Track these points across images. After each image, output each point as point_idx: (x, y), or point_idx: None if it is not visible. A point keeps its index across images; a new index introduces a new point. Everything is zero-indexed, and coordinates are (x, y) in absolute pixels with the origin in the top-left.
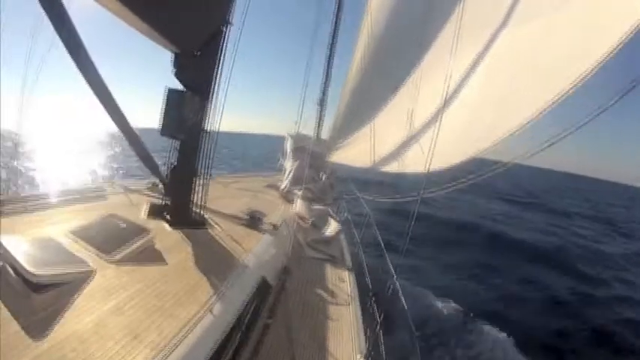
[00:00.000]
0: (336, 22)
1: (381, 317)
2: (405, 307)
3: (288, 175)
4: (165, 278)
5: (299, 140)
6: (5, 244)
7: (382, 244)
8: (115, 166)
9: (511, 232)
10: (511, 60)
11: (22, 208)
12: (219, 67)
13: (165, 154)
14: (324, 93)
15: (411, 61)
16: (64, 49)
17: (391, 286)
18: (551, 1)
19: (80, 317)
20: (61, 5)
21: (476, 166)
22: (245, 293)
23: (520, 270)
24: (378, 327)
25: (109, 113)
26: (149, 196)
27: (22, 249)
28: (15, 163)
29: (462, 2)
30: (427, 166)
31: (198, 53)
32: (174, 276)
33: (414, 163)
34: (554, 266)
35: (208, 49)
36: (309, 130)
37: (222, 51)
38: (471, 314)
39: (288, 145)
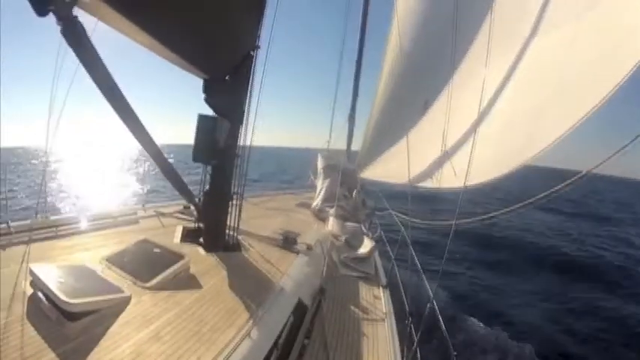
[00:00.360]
0: (361, 39)
1: (418, 336)
2: (444, 327)
3: (320, 193)
4: (201, 303)
5: (330, 158)
6: (37, 271)
7: (418, 264)
8: (146, 189)
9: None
10: (544, 68)
11: (52, 233)
12: (249, 91)
13: (189, 170)
14: (353, 109)
15: (441, 74)
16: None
17: (429, 306)
18: (577, 5)
19: (117, 345)
20: (90, 45)
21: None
22: (282, 316)
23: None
24: (415, 345)
25: (141, 143)
26: (181, 219)
27: (54, 276)
28: (43, 187)
29: (491, 14)
30: (464, 182)
31: (228, 78)
32: (210, 301)
33: (450, 178)
34: None
35: (238, 74)
36: (340, 144)
37: (251, 74)
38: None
39: (320, 163)
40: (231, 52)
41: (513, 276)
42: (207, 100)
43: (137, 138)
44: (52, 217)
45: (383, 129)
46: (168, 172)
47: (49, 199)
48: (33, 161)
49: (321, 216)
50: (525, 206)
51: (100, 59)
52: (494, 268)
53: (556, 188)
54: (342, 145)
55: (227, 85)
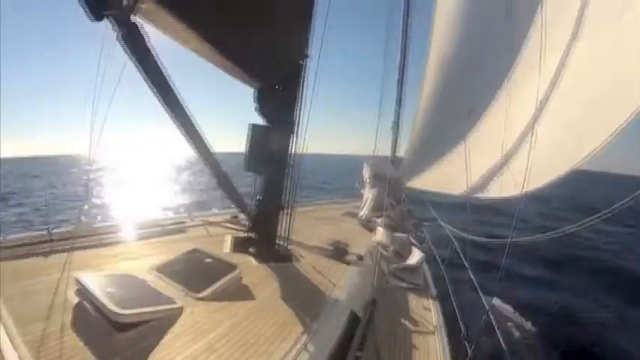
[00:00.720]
0: (404, 47)
1: (472, 349)
2: (502, 341)
3: (367, 202)
4: (255, 315)
5: (376, 166)
6: (84, 280)
7: (472, 276)
8: (193, 198)
9: None
10: (587, 71)
11: (96, 241)
12: (301, 100)
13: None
14: (397, 116)
15: (486, 82)
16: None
17: (484, 318)
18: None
19: (170, 357)
20: (150, 51)
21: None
22: (336, 328)
23: None
24: (469, 354)
25: (197, 151)
26: (230, 229)
27: (102, 286)
28: (85, 195)
29: (543, 18)
30: (523, 189)
31: (279, 87)
32: (264, 312)
33: (505, 186)
34: None
35: (288, 83)
36: (385, 152)
37: (302, 84)
38: None
39: (366, 172)
40: (283, 62)
41: (581, 294)
42: (259, 109)
43: (193, 146)
44: (95, 225)
45: (427, 137)
46: (223, 180)
47: (90, 208)
48: (72, 169)
49: (368, 226)
50: (593, 220)
51: (159, 66)
52: (558, 283)
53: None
54: (387, 152)
55: (278, 94)
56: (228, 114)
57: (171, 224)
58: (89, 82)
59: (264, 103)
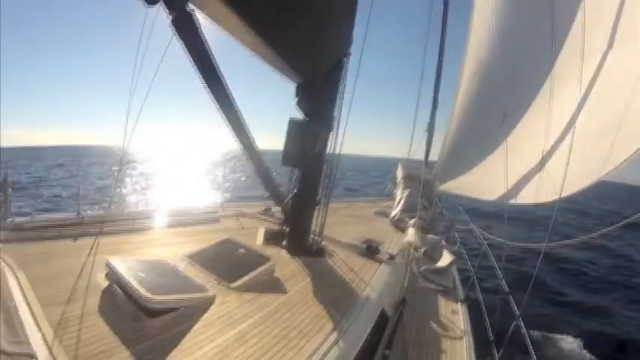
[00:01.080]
0: (441, 49)
1: (500, 354)
2: (531, 348)
3: (400, 202)
4: (287, 308)
5: (410, 167)
6: (115, 264)
7: (503, 281)
8: (227, 189)
9: None
10: (626, 78)
11: (128, 226)
12: (340, 97)
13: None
14: (432, 119)
15: (520, 88)
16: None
17: (514, 324)
18: None
19: (200, 345)
20: (201, 39)
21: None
22: (367, 325)
23: None
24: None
25: (241, 141)
26: (262, 220)
27: (134, 270)
28: (117, 180)
29: (583, 25)
30: (560, 193)
31: (320, 84)
32: (296, 306)
33: (541, 192)
34: None
35: (329, 79)
36: (418, 155)
37: (342, 81)
38: None
39: (399, 173)
40: (325, 58)
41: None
42: (299, 105)
43: (237, 136)
44: (127, 211)
45: (460, 141)
46: (262, 172)
47: (120, 195)
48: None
49: (399, 226)
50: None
51: (209, 54)
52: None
53: None
54: (420, 155)
55: (319, 90)
56: (262, 112)
57: (205, 213)
58: (128, 75)
59: (304, 98)
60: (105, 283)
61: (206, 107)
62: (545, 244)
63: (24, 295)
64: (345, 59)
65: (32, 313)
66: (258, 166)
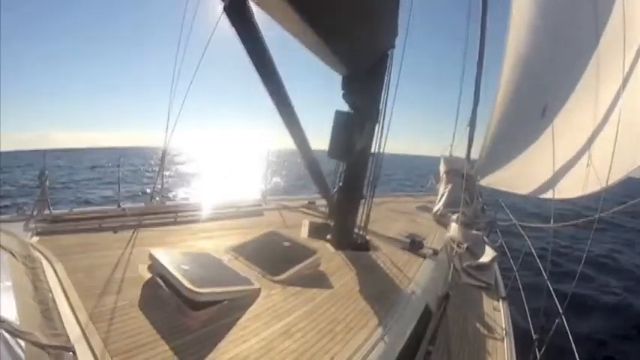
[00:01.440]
0: (481, 42)
1: (542, 353)
2: (573, 346)
3: (442, 197)
4: (333, 302)
5: (452, 163)
6: (158, 256)
7: (546, 276)
8: (269, 182)
9: None
10: None
11: (171, 218)
12: (386, 90)
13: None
14: (474, 114)
15: (560, 80)
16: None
17: (557, 322)
18: None
19: (245, 338)
20: (256, 28)
21: None
22: (411, 321)
23: None
24: (539, 356)
25: (292, 134)
26: (305, 214)
27: (177, 262)
28: (160, 172)
29: (625, 15)
30: (607, 181)
31: (366, 76)
32: (341, 300)
33: (587, 183)
34: None
35: (375, 72)
36: (459, 152)
37: (387, 73)
38: None
39: (442, 167)
40: (372, 50)
41: None
42: (345, 97)
43: (289, 129)
44: (168, 203)
45: (501, 137)
46: (312, 164)
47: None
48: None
49: (442, 221)
50: None
51: (264, 44)
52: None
53: None
54: (461, 152)
55: (364, 82)
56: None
57: (246, 207)
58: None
59: (350, 91)
60: (147, 275)
61: (248, 110)
62: (596, 216)
63: (62, 287)
64: (390, 51)
65: (71, 305)
66: (308, 159)
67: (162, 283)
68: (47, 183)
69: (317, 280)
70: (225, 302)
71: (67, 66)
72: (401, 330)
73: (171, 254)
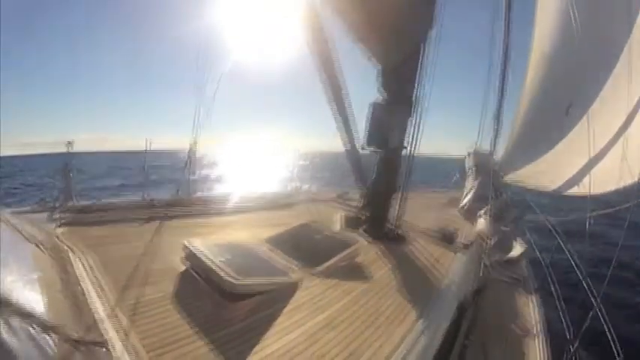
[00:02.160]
0: (506, 35)
1: (576, 344)
2: (612, 333)
3: (469, 193)
4: (371, 294)
5: (479, 158)
6: (194, 247)
7: (578, 266)
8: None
9: None
10: None
11: (201, 210)
12: (420, 82)
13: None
14: (499, 108)
15: (585, 78)
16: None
17: (591, 313)
18: None
19: (289, 330)
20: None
21: None
22: (448, 315)
23: None
24: (573, 350)
25: (340, 117)
26: (336, 206)
27: (214, 253)
28: (188, 165)
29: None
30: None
31: (401, 69)
32: (380, 292)
33: (621, 176)
34: None
35: (409, 65)
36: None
37: (421, 66)
38: None
39: (468, 163)
40: (406, 43)
41: None
42: (380, 88)
43: (338, 112)
44: (198, 195)
45: (527, 132)
46: (353, 154)
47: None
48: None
49: (469, 216)
50: None
51: (321, 28)
52: None
53: None
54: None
55: (399, 74)
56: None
57: (277, 199)
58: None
59: (385, 82)
60: (181, 267)
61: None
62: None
63: (92, 280)
64: (424, 45)
65: (101, 299)
66: (350, 148)
67: (198, 275)
68: (71, 175)
69: (355, 271)
70: (265, 294)
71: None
72: (439, 323)
73: (207, 245)
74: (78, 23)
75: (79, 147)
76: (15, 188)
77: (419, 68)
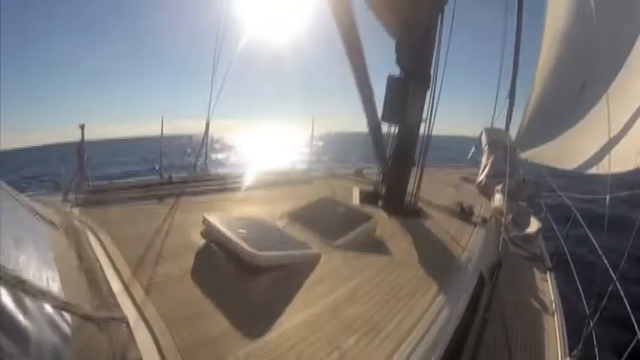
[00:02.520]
0: (519, 10)
1: (595, 318)
2: (628, 307)
3: (485, 168)
4: (392, 267)
5: (494, 134)
6: (213, 221)
7: (598, 247)
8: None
9: None
10: None
11: (220, 185)
12: (437, 55)
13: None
14: (513, 85)
15: (601, 54)
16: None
17: (611, 288)
18: None
19: (310, 303)
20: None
21: None
22: (469, 288)
23: None
24: (592, 325)
25: (362, 92)
26: (353, 182)
27: (233, 227)
28: (205, 140)
29: None
30: None
31: (418, 40)
32: (401, 266)
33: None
34: None
35: (426, 37)
36: (498, 124)
37: (438, 40)
38: None
39: (484, 139)
40: (423, 14)
41: None
42: (398, 61)
43: (361, 87)
44: (216, 171)
45: (542, 109)
46: (375, 128)
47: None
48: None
49: (485, 192)
50: None
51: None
52: None
53: None
54: (499, 124)
55: (416, 47)
56: None
57: (294, 175)
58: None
59: (402, 55)
60: (200, 241)
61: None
62: None
63: (109, 257)
64: (440, 17)
65: (120, 275)
66: (372, 122)
67: (218, 249)
68: (85, 157)
69: (374, 245)
70: (287, 267)
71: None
72: (460, 297)
73: (227, 219)
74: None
75: (88, 135)
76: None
77: (435, 42)
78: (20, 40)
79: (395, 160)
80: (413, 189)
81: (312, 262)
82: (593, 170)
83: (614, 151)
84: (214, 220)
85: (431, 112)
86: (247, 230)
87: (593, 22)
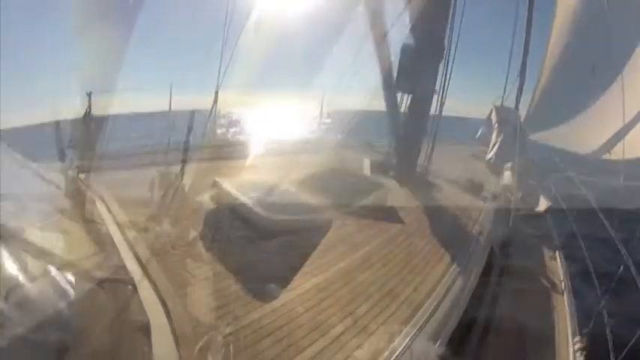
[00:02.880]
0: None
1: (606, 297)
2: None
3: (495, 147)
4: (405, 235)
5: (504, 112)
6: (224, 185)
7: (608, 224)
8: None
9: None
10: None
11: (228, 153)
12: (450, 27)
13: None
14: (523, 64)
15: (610, 38)
16: None
17: (621, 267)
18: None
19: (322, 268)
20: None
21: None
22: (481, 261)
23: None
24: (602, 306)
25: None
26: (363, 153)
27: (244, 191)
28: (213, 111)
29: None
30: None
31: (432, 10)
32: (415, 234)
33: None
34: None
35: (440, 7)
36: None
37: (452, 9)
38: None
39: (494, 117)
40: None
41: None
42: (412, 31)
43: (381, 58)
44: (220, 139)
45: (553, 89)
46: (391, 100)
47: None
48: None
49: (495, 169)
50: None
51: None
52: None
53: None
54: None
55: (431, 17)
56: None
57: (304, 144)
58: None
59: (417, 25)
60: (210, 205)
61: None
62: None
63: (116, 220)
64: None
65: (126, 238)
66: (389, 93)
67: (228, 212)
68: (93, 124)
69: (386, 213)
70: (300, 231)
71: None
72: (473, 269)
73: (237, 183)
74: None
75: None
76: None
77: (450, 13)
78: (25, 14)
79: (407, 130)
80: (425, 161)
81: (324, 228)
82: (605, 156)
83: (628, 137)
84: (226, 184)
85: (444, 84)
86: (259, 195)
87: (606, 4)
